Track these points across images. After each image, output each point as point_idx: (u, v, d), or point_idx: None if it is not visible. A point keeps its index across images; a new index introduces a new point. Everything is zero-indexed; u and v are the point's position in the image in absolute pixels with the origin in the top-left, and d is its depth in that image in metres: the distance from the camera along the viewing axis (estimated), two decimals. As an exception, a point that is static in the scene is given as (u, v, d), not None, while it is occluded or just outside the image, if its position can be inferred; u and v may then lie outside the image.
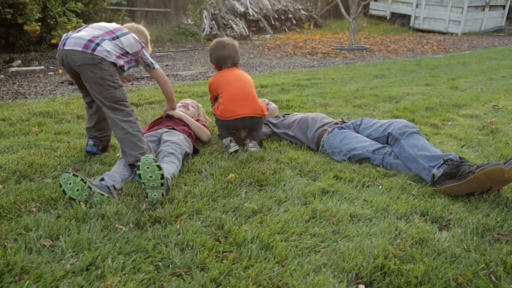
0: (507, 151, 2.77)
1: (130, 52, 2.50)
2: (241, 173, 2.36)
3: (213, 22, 10.91)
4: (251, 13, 11.51)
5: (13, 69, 6.17)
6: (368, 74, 6.16)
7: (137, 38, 2.56)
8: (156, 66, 2.67)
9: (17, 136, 3.03)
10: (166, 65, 7.01)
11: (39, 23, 5.71)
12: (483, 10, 12.69)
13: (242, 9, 11.50)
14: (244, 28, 11.07)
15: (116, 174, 2.27)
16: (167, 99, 2.92)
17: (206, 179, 2.32)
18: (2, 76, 5.72)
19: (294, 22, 12.38)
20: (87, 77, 2.34)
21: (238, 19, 11.37)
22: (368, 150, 2.60)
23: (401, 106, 4.19)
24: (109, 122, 2.44)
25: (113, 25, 2.52)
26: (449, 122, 3.62)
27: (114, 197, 2.09)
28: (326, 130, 2.87)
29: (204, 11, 10.36)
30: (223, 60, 3.04)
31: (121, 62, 2.44)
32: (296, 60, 7.73)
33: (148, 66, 2.63)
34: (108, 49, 2.35)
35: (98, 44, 2.33)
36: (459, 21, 12.31)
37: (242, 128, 3.03)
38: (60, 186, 1.99)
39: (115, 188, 2.17)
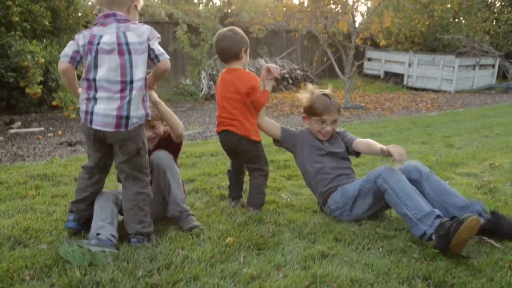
0: (507, 211, 2.76)
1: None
2: (239, 237, 2.33)
3: (211, 82, 11.15)
4: (248, 74, 11.83)
5: (12, 130, 6.23)
6: (364, 133, 6.23)
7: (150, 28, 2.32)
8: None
9: (14, 200, 3.01)
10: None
11: (41, 86, 5.83)
12: (474, 69, 13.05)
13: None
14: (241, 88, 11.32)
15: (104, 223, 2.29)
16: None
17: (203, 242, 2.29)
18: (2, 138, 5.76)
19: (290, 81, 12.67)
20: (121, 149, 2.27)
21: (235, 79, 11.66)
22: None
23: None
24: (122, 190, 2.37)
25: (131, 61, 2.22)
26: (447, 181, 3.61)
27: (118, 249, 2.14)
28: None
29: (203, 71, 10.61)
30: (220, 56, 2.84)
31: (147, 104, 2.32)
32: (293, 119, 7.84)
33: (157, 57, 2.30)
34: (138, 114, 2.23)
35: (128, 118, 2.20)
36: (451, 79, 12.62)
37: (228, 152, 2.95)
38: (62, 258, 1.99)
39: (114, 237, 2.23)
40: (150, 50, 2.25)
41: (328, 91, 3.00)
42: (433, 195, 2.49)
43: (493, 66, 13.64)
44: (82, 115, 2.25)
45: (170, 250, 2.19)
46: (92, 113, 2.20)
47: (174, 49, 10.97)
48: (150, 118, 2.38)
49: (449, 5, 13.82)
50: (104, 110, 2.19)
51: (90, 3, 10.19)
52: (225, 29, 2.85)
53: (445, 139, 5.62)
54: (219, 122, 2.85)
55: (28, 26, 6.25)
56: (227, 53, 2.77)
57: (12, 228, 2.40)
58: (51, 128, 6.61)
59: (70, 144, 5.48)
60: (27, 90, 5.70)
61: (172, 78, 11.27)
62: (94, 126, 2.21)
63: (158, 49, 2.26)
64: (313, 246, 2.27)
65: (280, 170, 4.14)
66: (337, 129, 3.07)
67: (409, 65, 13.34)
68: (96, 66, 2.19)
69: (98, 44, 2.18)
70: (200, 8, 13.12)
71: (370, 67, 14.76)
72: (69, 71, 2.26)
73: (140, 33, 2.24)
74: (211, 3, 13.57)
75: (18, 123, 6.76)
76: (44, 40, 6.44)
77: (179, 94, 10.63)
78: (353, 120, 7.87)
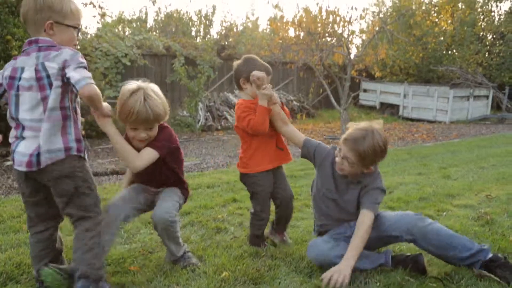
0: (504, 243, 2.74)
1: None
2: (235, 271, 2.30)
3: (208, 113, 11.23)
4: (245, 105, 11.93)
5: (8, 163, 6.21)
6: (360, 164, 6.24)
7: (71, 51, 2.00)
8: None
9: (7, 234, 2.98)
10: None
11: (38, 118, 5.86)
12: (468, 100, 13.20)
13: (236, 101, 11.91)
14: (238, 119, 11.40)
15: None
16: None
17: (199, 277, 2.26)
18: (-3, 170, 5.74)
19: (287, 112, 12.81)
20: (55, 190, 2.02)
21: (232, 110, 11.72)
22: None
23: (394, 196, 4.20)
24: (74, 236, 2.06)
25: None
26: (444, 213, 3.61)
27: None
28: None
29: (199, 103, 10.70)
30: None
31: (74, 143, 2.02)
32: (289, 150, 7.85)
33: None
34: (49, 148, 1.95)
35: (38, 154, 1.94)
36: (446, 110, 12.74)
37: None
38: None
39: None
40: (67, 79, 1.94)
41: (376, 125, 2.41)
42: (433, 250, 2.34)
43: (487, 97, 13.81)
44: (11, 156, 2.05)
45: (165, 285, 2.16)
46: (14, 152, 2.00)
47: (172, 80, 11.10)
48: (77, 153, 2.03)
49: (442, 38, 14.09)
50: (24, 148, 1.96)
51: (88, 36, 10.36)
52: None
53: (441, 170, 5.63)
54: None
55: (27, 59, 6.33)
56: (236, 84, 2.71)
57: (5, 264, 2.37)
58: (47, 160, 6.60)
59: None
60: (24, 123, 5.72)
61: (170, 110, 11.34)
62: (15, 167, 2.00)
63: (74, 76, 1.92)
64: (310, 280, 2.24)
65: (277, 202, 4.12)
66: (367, 173, 2.48)
67: (404, 96, 13.49)
68: (17, 104, 1.96)
69: (19, 79, 1.97)
70: (197, 40, 13.33)
71: (365, 98, 14.91)
72: None
73: (59, 62, 1.95)
74: (208, 36, 13.81)
75: (14, 155, 6.75)
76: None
77: (176, 125, 10.67)
78: (350, 151, 7.88)
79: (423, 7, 14.42)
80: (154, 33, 12.94)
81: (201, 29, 14.04)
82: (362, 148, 2.31)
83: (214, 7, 14.01)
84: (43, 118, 1.93)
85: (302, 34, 10.26)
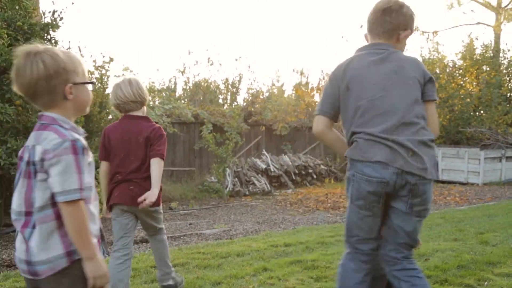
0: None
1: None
2: None
3: (236, 179, 11.27)
4: (272, 170, 11.92)
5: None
6: (393, 229, 6.08)
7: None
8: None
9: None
10: (190, 224, 7.08)
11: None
12: (500, 161, 12.90)
13: (264, 166, 11.95)
14: (266, 184, 11.36)
15: None
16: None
17: None
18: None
19: (315, 176, 12.70)
20: None
21: (260, 175, 11.75)
22: None
23: (431, 264, 4.04)
24: None
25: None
26: (486, 283, 3.44)
27: None
28: None
29: (227, 169, 10.79)
30: None
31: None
32: (318, 216, 7.74)
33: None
34: (41, 258, 1.63)
35: (33, 263, 1.63)
36: (478, 171, 12.46)
37: None
38: None
39: None
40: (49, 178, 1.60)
41: None
42: None
43: (519, 157, 13.48)
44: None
45: None
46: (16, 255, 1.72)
47: (200, 147, 11.31)
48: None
49: (468, 100, 14.07)
50: (18, 255, 1.69)
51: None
52: None
53: (478, 235, 5.41)
54: None
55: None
56: None
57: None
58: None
59: (96, 245, 5.47)
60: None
61: (198, 176, 11.46)
62: (22, 274, 1.71)
63: (57, 181, 1.57)
64: None
65: (308, 271, 4.01)
66: None
67: (434, 158, 13.32)
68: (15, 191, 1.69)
69: (22, 160, 1.68)
70: (225, 107, 13.68)
71: (393, 160, 14.75)
72: None
73: (40, 150, 1.61)
74: (235, 103, 14.15)
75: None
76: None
77: (204, 191, 10.72)
78: (381, 215, 7.71)
79: (447, 70, 14.55)
80: (183, 101, 13.36)
81: (228, 97, 14.43)
82: None
83: (240, 75, 14.40)
84: (23, 211, 1.64)
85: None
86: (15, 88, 1.67)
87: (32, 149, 1.62)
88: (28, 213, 1.63)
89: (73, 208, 1.57)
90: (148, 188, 2.90)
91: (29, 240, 1.62)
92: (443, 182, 13.05)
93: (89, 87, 1.78)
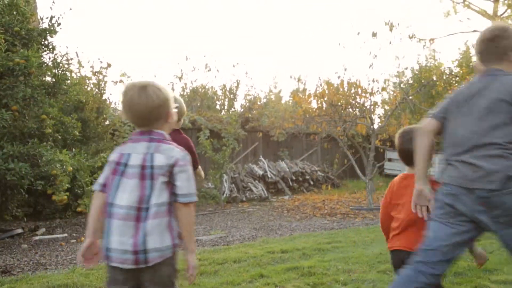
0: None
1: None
2: None
3: (233, 185, 11.26)
4: (269, 176, 11.92)
5: (37, 237, 6.28)
6: (390, 236, 6.07)
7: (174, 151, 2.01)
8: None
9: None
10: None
11: (67, 193, 5.97)
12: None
13: (261, 172, 11.95)
14: (263, 190, 11.35)
15: None
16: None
17: None
18: (26, 245, 5.79)
19: (312, 183, 12.71)
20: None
21: (257, 181, 11.74)
22: None
23: (428, 271, 4.03)
24: None
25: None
26: (482, 290, 3.43)
27: None
28: None
29: (224, 175, 10.78)
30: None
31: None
32: (315, 222, 7.73)
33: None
34: (156, 245, 1.90)
35: (145, 251, 1.89)
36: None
37: None
38: None
39: None
40: (173, 181, 1.96)
41: None
42: None
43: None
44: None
45: None
46: (109, 251, 1.93)
47: (197, 153, 11.29)
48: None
49: (465, 106, 14.11)
50: (121, 247, 1.90)
51: (118, 112, 10.77)
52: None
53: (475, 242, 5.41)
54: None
55: (60, 137, 6.57)
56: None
57: None
58: (74, 234, 6.64)
59: (92, 251, 5.45)
60: (53, 197, 5.84)
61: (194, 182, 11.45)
62: (113, 263, 1.92)
63: (182, 186, 1.95)
64: None
65: (305, 277, 4.01)
66: None
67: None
68: (117, 189, 1.96)
69: (125, 165, 1.98)
70: (222, 114, 13.69)
71: (391, 167, 14.77)
72: (94, 201, 2.06)
73: (169, 158, 1.97)
74: (232, 109, 14.17)
75: (43, 230, 6.82)
76: (73, 149, 6.72)
77: (201, 197, 10.70)
78: (377, 222, 7.68)
79: (444, 77, 14.61)
80: (180, 107, 13.40)
81: (226, 103, 14.46)
82: None
83: (238, 82, 14.46)
84: (134, 207, 1.91)
85: (324, 105, 10.45)
86: (127, 114, 2.04)
87: (150, 156, 1.96)
88: (140, 209, 1.90)
89: (190, 208, 1.95)
90: None
91: (144, 231, 1.88)
92: (440, 188, 13.08)
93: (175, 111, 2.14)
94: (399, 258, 2.45)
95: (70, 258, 5.11)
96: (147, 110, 1.99)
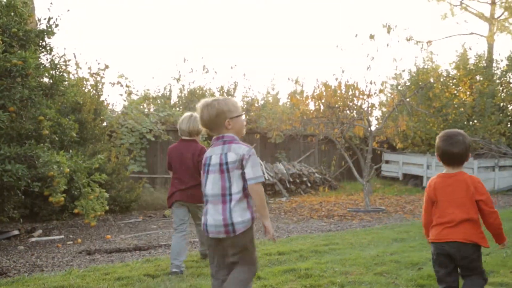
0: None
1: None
2: None
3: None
4: (266, 178, 11.92)
5: (33, 239, 6.26)
6: (386, 238, 6.09)
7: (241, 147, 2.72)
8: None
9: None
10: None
11: (64, 194, 5.96)
12: (494, 170, 12.97)
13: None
14: (260, 192, 11.38)
15: None
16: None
17: None
18: (22, 247, 5.78)
19: (309, 185, 12.71)
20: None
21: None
22: None
23: (424, 273, 4.04)
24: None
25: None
26: (478, 292, 3.44)
27: None
28: None
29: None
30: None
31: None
32: (313, 224, 7.73)
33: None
34: (239, 219, 2.63)
35: (233, 224, 2.62)
36: (472, 180, 12.50)
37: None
38: None
39: None
40: (243, 171, 2.65)
41: None
42: None
43: (513, 166, 13.56)
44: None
45: None
46: (207, 224, 2.70)
47: (194, 155, 11.28)
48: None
49: (462, 109, 14.15)
50: (214, 223, 2.65)
51: (115, 114, 10.78)
52: None
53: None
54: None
55: (57, 138, 6.55)
56: None
57: None
58: (71, 236, 6.63)
59: (89, 253, 5.45)
60: (50, 199, 5.83)
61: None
62: (210, 235, 2.68)
63: (248, 173, 2.63)
64: None
65: (302, 279, 4.01)
66: None
67: (428, 167, 13.36)
68: (206, 183, 2.72)
69: (208, 165, 2.72)
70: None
71: (388, 170, 14.80)
72: None
73: (238, 154, 2.66)
74: (230, 111, 14.16)
75: (39, 231, 6.81)
76: (70, 150, 6.70)
77: (199, 199, 10.69)
78: (375, 224, 7.72)
79: (441, 80, 14.64)
80: (178, 109, 13.35)
81: (224, 104, 14.45)
82: None
83: (235, 83, 14.41)
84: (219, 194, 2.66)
85: (322, 107, 10.46)
86: (200, 124, 2.84)
87: (225, 156, 2.67)
88: (224, 195, 2.66)
89: (259, 187, 2.65)
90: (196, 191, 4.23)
91: (231, 210, 2.62)
92: (437, 191, 13.10)
93: (242, 117, 2.83)
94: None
95: (66, 260, 5.10)
96: (209, 120, 2.74)
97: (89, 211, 6.11)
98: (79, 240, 6.22)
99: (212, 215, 2.65)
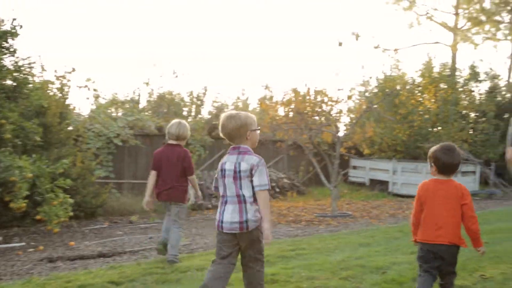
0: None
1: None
2: None
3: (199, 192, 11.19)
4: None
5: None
6: (352, 243, 6.17)
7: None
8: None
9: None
10: (150, 238, 6.96)
11: (26, 200, 5.79)
12: (456, 176, 13.32)
13: (227, 179, 11.94)
14: (229, 198, 11.35)
15: None
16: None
17: None
18: (-20, 254, 5.58)
19: (278, 190, 12.76)
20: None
21: (223, 188, 11.72)
22: None
23: (388, 277, 4.12)
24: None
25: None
26: (439, 295, 3.52)
27: None
28: None
29: (190, 182, 10.70)
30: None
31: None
32: (280, 229, 7.76)
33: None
34: (252, 218, 3.06)
35: (247, 221, 3.05)
36: (436, 186, 12.80)
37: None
38: None
39: None
40: (252, 179, 3.05)
41: None
42: None
43: (474, 172, 13.99)
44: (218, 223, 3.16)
45: None
46: (222, 221, 3.11)
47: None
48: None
49: (427, 116, 14.51)
50: (230, 220, 3.08)
51: (82, 118, 10.57)
52: None
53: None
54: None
55: (19, 142, 6.37)
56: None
57: None
58: (32, 243, 6.44)
59: (50, 260, 5.31)
60: (11, 205, 5.66)
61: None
62: (224, 231, 3.09)
63: (255, 181, 3.04)
64: None
65: (268, 285, 4.01)
66: None
67: (393, 172, 13.62)
68: (224, 186, 3.15)
69: (225, 170, 3.13)
70: (189, 120, 13.58)
71: (355, 175, 15.01)
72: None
73: (249, 163, 3.06)
74: (199, 116, 14.07)
75: (0, 238, 6.59)
76: (34, 155, 6.52)
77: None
78: (341, 229, 7.81)
79: (407, 87, 14.99)
80: (147, 113, 13.18)
81: (193, 109, 14.33)
82: None
83: (205, 88, 14.35)
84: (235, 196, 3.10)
85: (291, 113, 10.53)
86: (222, 134, 3.22)
87: (238, 164, 3.09)
88: (238, 196, 3.09)
89: (264, 193, 3.07)
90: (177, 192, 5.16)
91: (246, 210, 3.07)
92: (402, 196, 13.38)
93: (258, 131, 3.26)
94: None
95: (27, 268, 4.96)
96: (233, 130, 3.14)
97: (52, 217, 5.96)
98: (41, 247, 6.05)
99: (230, 213, 3.07)
